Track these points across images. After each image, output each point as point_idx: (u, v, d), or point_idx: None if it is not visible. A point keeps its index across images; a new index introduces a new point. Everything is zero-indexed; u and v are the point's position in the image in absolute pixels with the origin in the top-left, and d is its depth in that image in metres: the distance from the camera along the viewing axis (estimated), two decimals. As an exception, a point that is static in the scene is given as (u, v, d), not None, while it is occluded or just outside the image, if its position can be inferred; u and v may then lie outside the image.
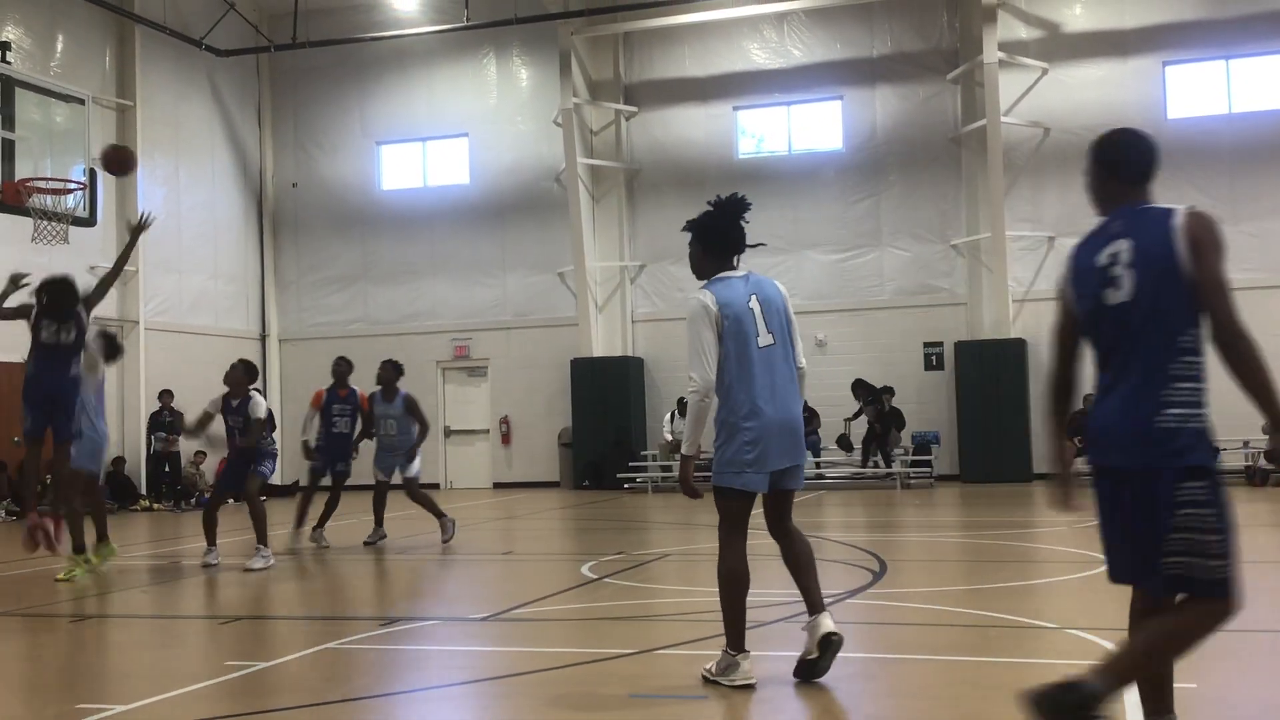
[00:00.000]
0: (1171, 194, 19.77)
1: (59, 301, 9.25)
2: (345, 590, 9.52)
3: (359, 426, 12.35)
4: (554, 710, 5.20)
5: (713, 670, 5.49)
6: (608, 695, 5.46)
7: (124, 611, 8.57)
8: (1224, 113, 19.91)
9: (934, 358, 20.82)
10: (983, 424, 19.89)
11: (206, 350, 21.39)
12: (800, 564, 5.65)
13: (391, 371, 12.06)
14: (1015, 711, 4.98)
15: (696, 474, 5.55)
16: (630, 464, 21.22)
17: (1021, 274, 20.41)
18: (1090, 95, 20.22)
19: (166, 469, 20.14)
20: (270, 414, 11.08)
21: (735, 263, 5.62)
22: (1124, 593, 7.14)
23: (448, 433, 23.28)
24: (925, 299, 20.98)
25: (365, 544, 11.99)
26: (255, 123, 24.51)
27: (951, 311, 20.81)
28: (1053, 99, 20.33)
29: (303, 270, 24.40)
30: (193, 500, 20.12)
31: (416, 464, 12.06)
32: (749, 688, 5.39)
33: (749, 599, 5.53)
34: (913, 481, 19.78)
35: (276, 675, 6.03)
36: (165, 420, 20.12)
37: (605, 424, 21.65)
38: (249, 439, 10.42)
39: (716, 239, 5.60)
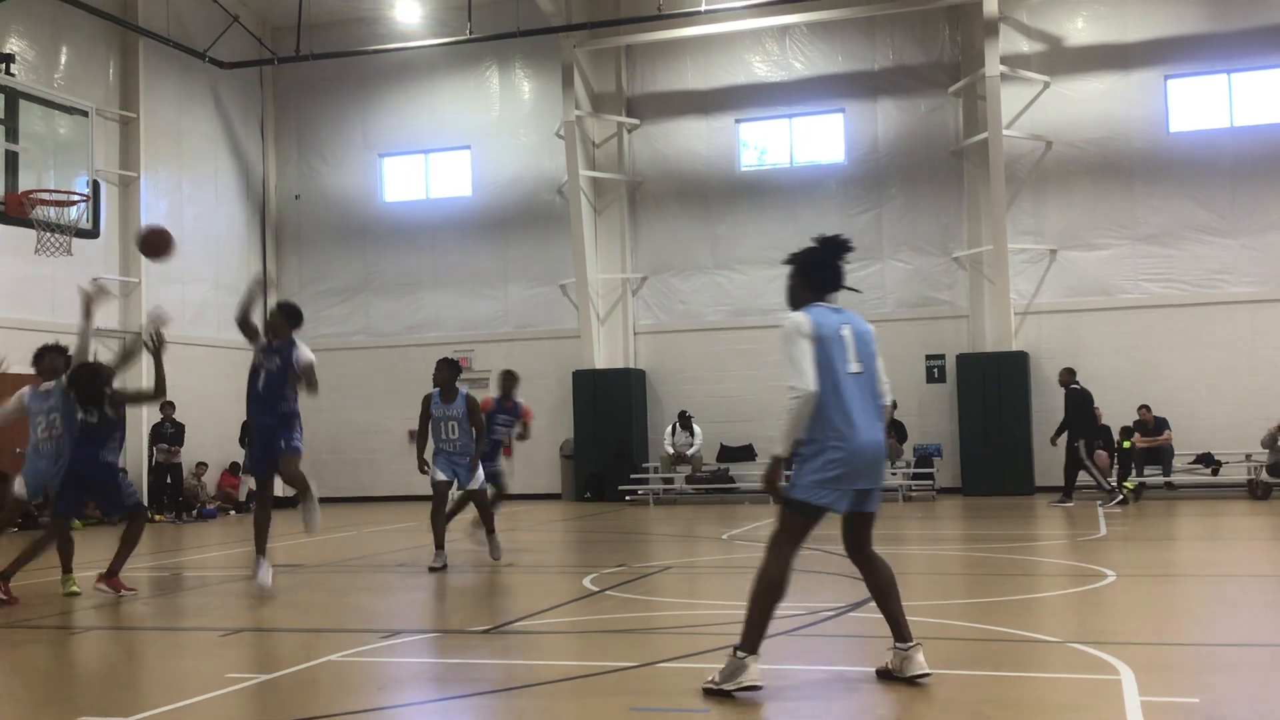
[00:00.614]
0: (1172, 207, 19.91)
1: (83, 392, 9.18)
2: (346, 602, 9.51)
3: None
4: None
5: (716, 680, 5.50)
6: (609, 708, 5.45)
7: (126, 623, 8.57)
8: (1226, 126, 19.94)
9: (936, 370, 20.82)
10: (985, 437, 19.89)
11: (209, 362, 21.41)
12: (883, 590, 5.79)
13: (449, 371, 11.19)
14: (1017, 726, 4.98)
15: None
16: (632, 476, 21.21)
17: (1023, 287, 20.42)
18: (1092, 108, 20.27)
19: (168, 480, 20.15)
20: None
21: (830, 299, 5.75)
22: (1124, 607, 7.18)
23: (449, 444, 23.26)
24: (927, 311, 20.99)
25: (430, 569, 10.85)
26: (258, 135, 24.57)
27: (953, 324, 20.82)
28: (1054, 112, 20.37)
29: (305, 282, 24.43)
30: (194, 511, 20.12)
31: (480, 474, 11.19)
32: (754, 689, 5.40)
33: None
34: (914, 494, 19.76)
35: (278, 688, 6.03)
36: (167, 432, 20.13)
37: (607, 436, 21.65)
38: (310, 384, 9.26)
39: (816, 274, 5.77)
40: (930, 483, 19.93)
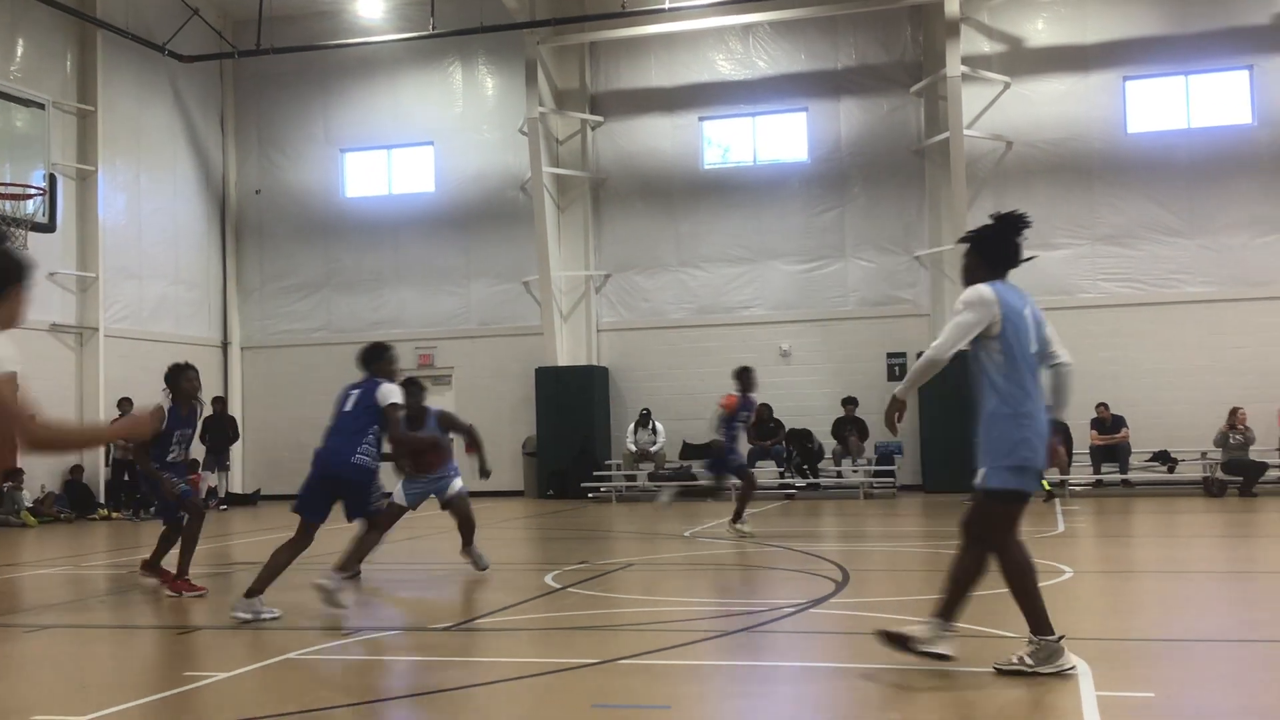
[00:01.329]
0: (1131, 208, 20.11)
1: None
2: (305, 600, 9.45)
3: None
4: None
5: (1028, 661, 5.51)
6: (570, 706, 5.45)
7: (81, 622, 8.47)
8: (1183, 128, 20.17)
9: (897, 368, 20.92)
10: (945, 435, 20.01)
11: (167, 358, 21.11)
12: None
13: (419, 395, 10.32)
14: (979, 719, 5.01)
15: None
16: (595, 473, 21.20)
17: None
18: (1052, 109, 20.45)
19: (126, 478, 19.92)
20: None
21: (1006, 277, 5.81)
22: (1082, 602, 7.23)
23: (411, 441, 23.19)
24: (889, 310, 21.10)
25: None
26: (218, 129, 24.35)
27: (915, 322, 20.94)
28: (1015, 113, 20.53)
29: (266, 277, 24.25)
30: (152, 509, 19.89)
31: (459, 481, 10.68)
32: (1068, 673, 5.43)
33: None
34: (875, 491, 19.87)
35: (235, 686, 5.97)
36: (125, 428, 19.88)
37: (570, 433, 21.63)
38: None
39: (992, 251, 5.84)
40: (891, 480, 20.05)
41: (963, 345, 5.61)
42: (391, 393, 8.30)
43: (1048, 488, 18.19)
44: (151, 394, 19.85)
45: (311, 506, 8.16)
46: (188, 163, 23.54)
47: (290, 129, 24.28)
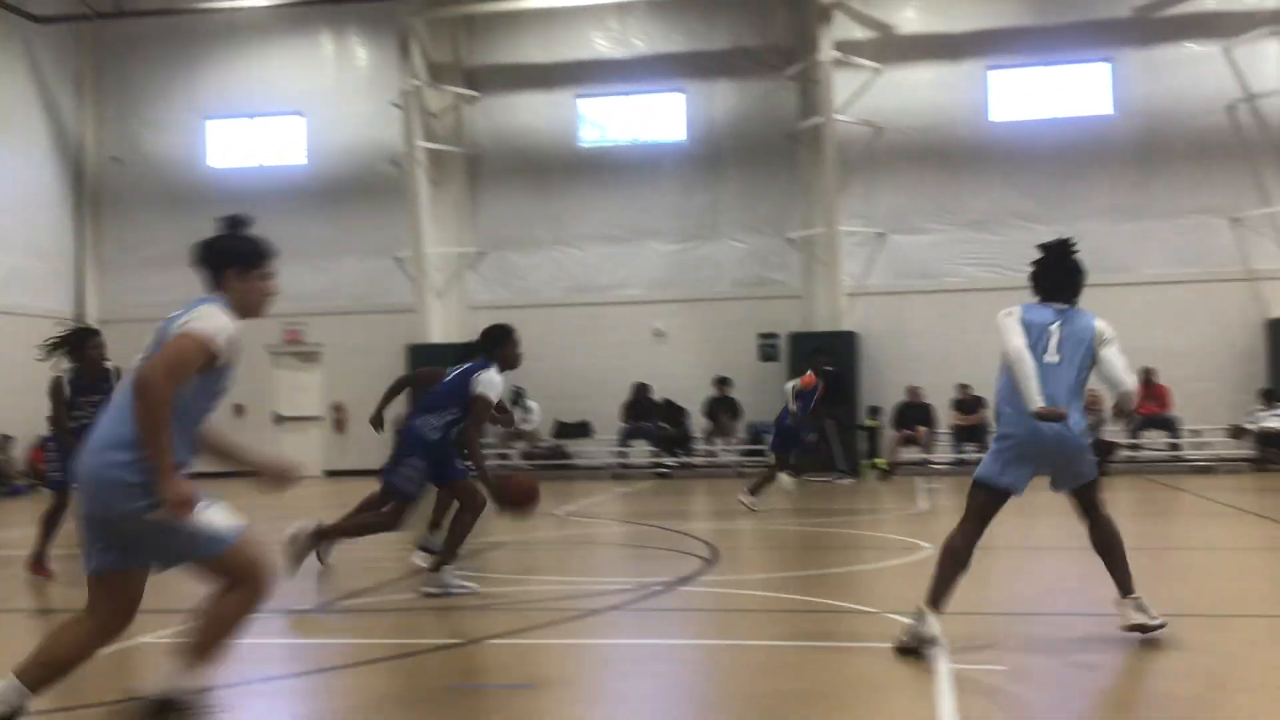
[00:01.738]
0: (994, 194, 20.66)
1: None
2: (163, 581, 9.17)
3: None
4: (371, 702, 5.11)
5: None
6: (427, 686, 5.39)
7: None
8: (1045, 118, 20.77)
9: (769, 349, 21.20)
10: (842, 415, 20.32)
11: (17, 332, 20.32)
12: (1104, 546, 6.17)
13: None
14: (840, 692, 5.11)
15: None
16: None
17: (854, 269, 20.93)
18: (920, 96, 20.87)
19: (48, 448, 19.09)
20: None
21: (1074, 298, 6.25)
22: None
23: (278, 419, 22.71)
24: (761, 291, 21.35)
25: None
26: (75, 94, 23.38)
27: (787, 304, 21.22)
28: (885, 99, 20.89)
29: (126, 249, 23.40)
30: (3, 488, 19.12)
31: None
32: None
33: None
34: (747, 470, 20.11)
35: (88, 670, 5.75)
36: (-28, 404, 19.06)
37: (442, 412, 21.37)
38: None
39: (1039, 283, 6.32)
40: (763, 459, 20.31)
41: (1014, 335, 6.11)
42: (488, 384, 7.76)
43: (884, 466, 19.01)
44: (2, 368, 19.12)
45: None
46: (41, 128, 22.56)
47: (152, 96, 23.43)
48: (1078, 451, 6.08)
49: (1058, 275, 6.27)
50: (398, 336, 21.92)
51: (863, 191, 21.03)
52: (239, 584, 4.26)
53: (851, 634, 6.56)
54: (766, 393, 21.15)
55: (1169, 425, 19.04)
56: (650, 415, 20.65)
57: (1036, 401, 5.82)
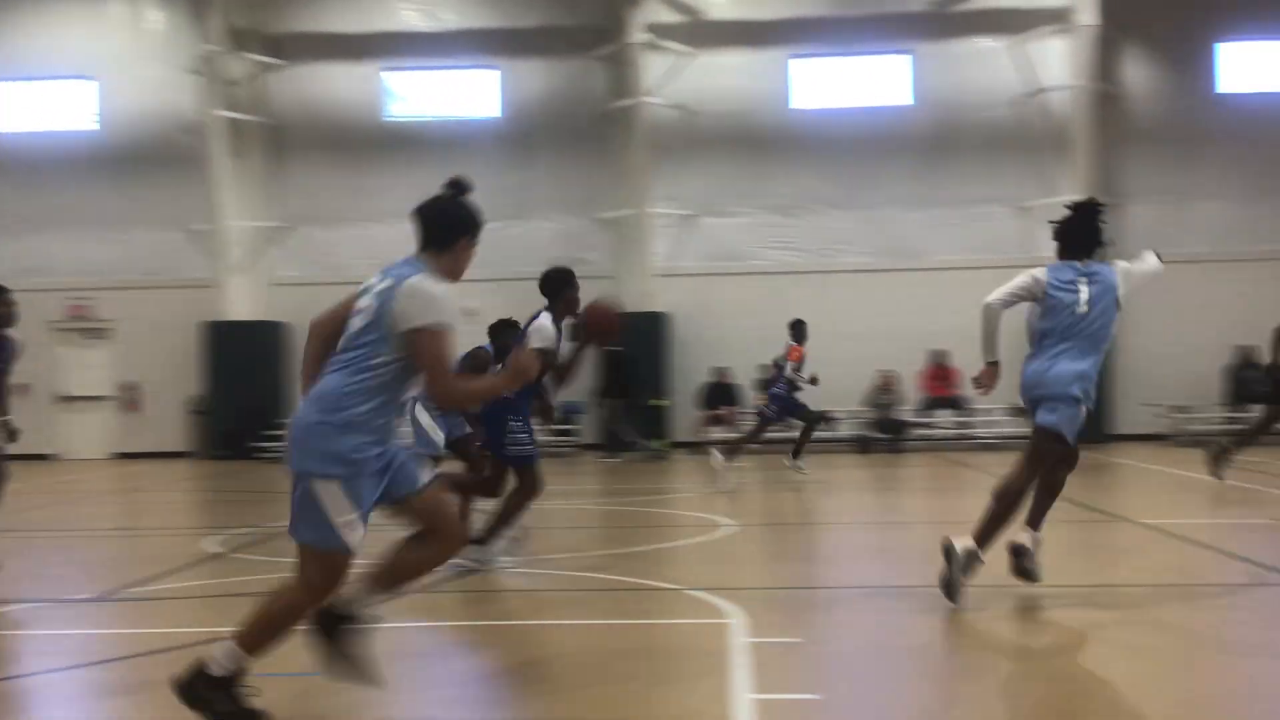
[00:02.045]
0: (797, 180, 21.19)
1: None
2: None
3: None
4: (150, 693, 4.89)
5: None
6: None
7: None
8: (847, 106, 21.37)
9: (574, 329, 21.22)
10: (623, 395, 20.49)
11: None
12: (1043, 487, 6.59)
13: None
14: (638, 670, 5.15)
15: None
16: (263, 432, 20.33)
17: (664, 250, 21.15)
18: (728, 82, 21.19)
19: None
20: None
21: (1090, 256, 6.54)
22: (740, 554, 7.53)
23: (61, 399, 21.56)
24: (576, 271, 21.29)
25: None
26: None
27: (597, 285, 21.20)
28: (695, 83, 21.12)
29: (-104, 215, 21.75)
30: None
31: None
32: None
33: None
34: (555, 451, 20.11)
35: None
36: None
37: (244, 391, 20.67)
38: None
39: (1065, 241, 6.63)
40: (573, 439, 20.37)
41: (1007, 293, 6.56)
42: (536, 331, 7.67)
43: (658, 447, 19.53)
44: None
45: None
46: None
47: (-78, 52, 21.82)
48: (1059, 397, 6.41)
49: (1082, 233, 6.61)
50: (193, 313, 21.06)
51: (673, 174, 21.24)
52: (302, 581, 4.28)
53: (651, 611, 6.63)
54: (583, 373, 21.19)
55: (957, 405, 19.95)
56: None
57: (989, 357, 6.64)
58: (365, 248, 21.66)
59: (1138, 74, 21.07)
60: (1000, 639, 5.91)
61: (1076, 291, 6.38)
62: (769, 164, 21.20)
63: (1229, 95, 20.72)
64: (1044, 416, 6.41)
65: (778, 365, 14.91)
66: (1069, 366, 6.32)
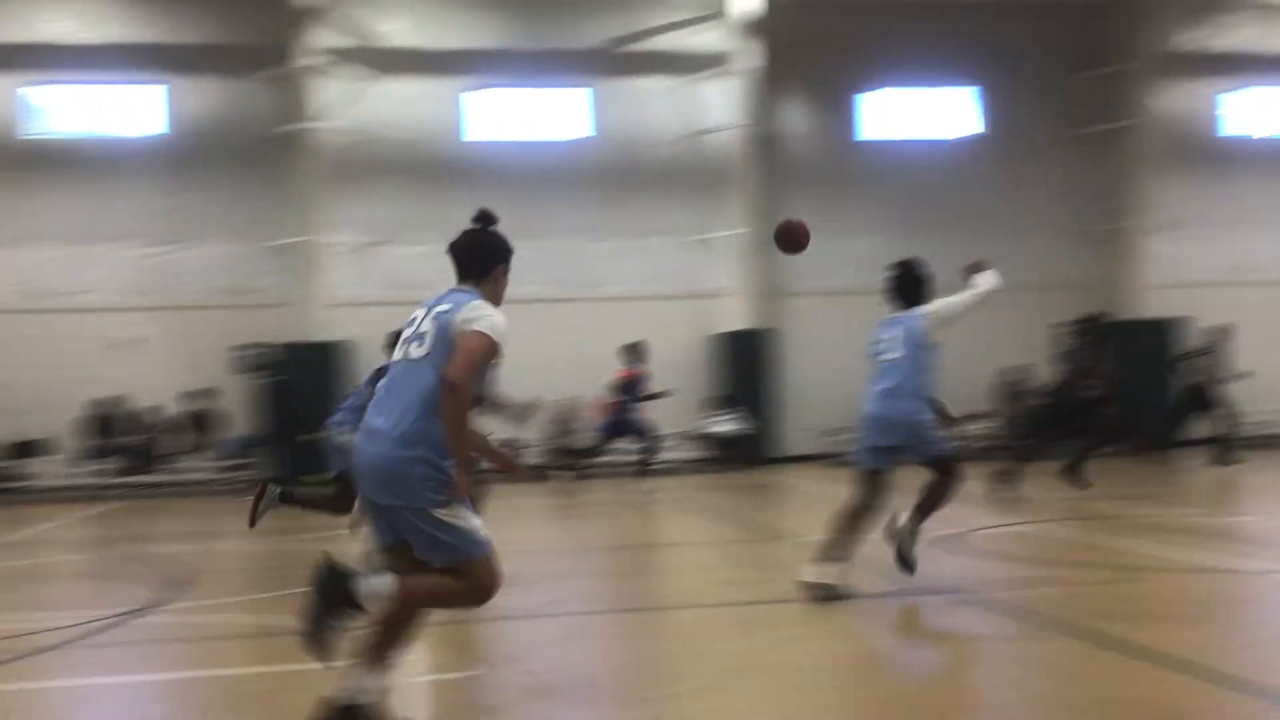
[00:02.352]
0: (473, 209, 21.20)
1: None
2: None
3: None
4: None
5: None
6: None
7: None
8: (523, 139, 21.64)
9: (250, 359, 20.38)
10: (301, 426, 19.81)
11: None
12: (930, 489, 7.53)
13: None
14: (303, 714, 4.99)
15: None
16: None
17: (338, 278, 20.65)
18: (407, 110, 21.01)
19: None
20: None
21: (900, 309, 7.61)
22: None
23: None
24: (240, 299, 20.44)
25: None
26: None
27: (265, 313, 20.48)
28: (370, 109, 20.78)
29: None
30: None
31: None
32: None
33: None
34: (227, 488, 19.19)
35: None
36: None
37: None
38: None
39: (891, 296, 7.66)
40: (248, 474, 19.48)
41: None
42: None
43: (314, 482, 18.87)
44: None
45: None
46: None
47: None
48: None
49: (904, 287, 7.51)
50: None
51: (349, 199, 20.79)
52: (470, 584, 4.49)
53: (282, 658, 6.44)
54: (244, 405, 20.33)
55: (640, 431, 20.49)
56: (117, 431, 19.16)
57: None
58: (8, 274, 20.07)
59: (795, 118, 22.49)
60: (675, 656, 6.11)
61: (887, 339, 7.45)
62: (447, 192, 21.08)
63: (871, 141, 22.51)
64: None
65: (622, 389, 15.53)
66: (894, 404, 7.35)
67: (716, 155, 21.67)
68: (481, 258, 4.81)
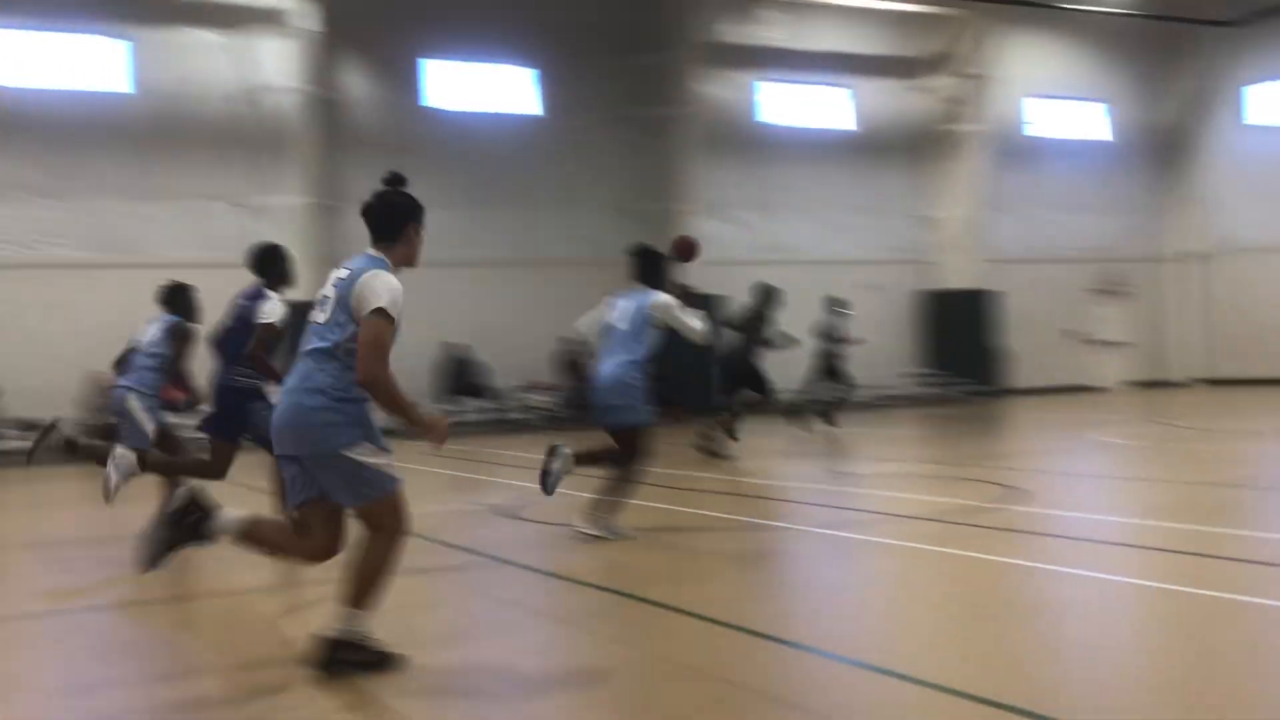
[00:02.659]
0: (3, 165, 19.12)
1: None
2: None
3: None
4: None
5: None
6: None
7: None
8: (59, 88, 19.68)
9: None
10: None
11: None
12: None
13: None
14: None
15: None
16: None
17: None
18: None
19: None
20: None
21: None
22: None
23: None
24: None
25: None
26: None
27: None
28: None
29: None
30: None
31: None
32: None
33: None
34: None
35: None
36: None
37: None
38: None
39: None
40: None
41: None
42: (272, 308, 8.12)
43: None
44: None
45: None
46: None
47: None
48: None
49: (645, 269, 8.40)
50: None
51: None
52: (383, 530, 4.78)
53: None
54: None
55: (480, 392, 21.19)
56: None
57: None
58: None
59: (356, 82, 22.00)
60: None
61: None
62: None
63: (435, 110, 22.46)
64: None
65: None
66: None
67: (274, 118, 20.78)
68: (392, 219, 4.90)
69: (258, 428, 7.56)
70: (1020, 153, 27.21)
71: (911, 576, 6.91)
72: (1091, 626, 5.39)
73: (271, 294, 8.04)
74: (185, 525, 4.80)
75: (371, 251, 4.86)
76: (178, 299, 8.97)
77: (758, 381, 14.82)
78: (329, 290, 4.78)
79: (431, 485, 12.22)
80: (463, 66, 22.77)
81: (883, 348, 23.56)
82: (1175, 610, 5.68)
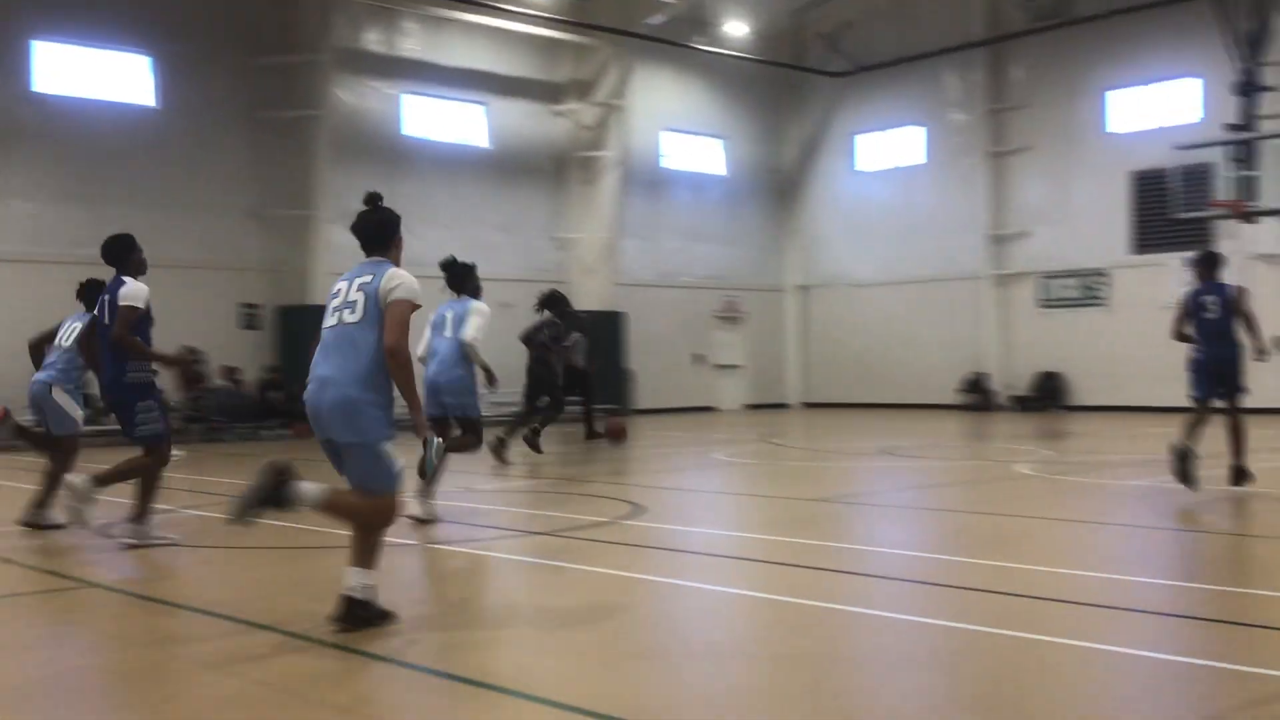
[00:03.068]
0: None
1: None
2: None
3: None
4: None
5: None
6: None
7: None
8: None
9: None
10: None
11: None
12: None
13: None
14: None
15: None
16: None
17: None
18: None
19: None
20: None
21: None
22: None
23: None
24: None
25: None
26: None
27: None
28: None
29: None
30: None
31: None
32: None
33: None
34: None
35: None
36: None
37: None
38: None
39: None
40: None
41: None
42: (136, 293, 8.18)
43: None
44: None
45: None
46: None
47: None
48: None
49: (458, 280, 9.58)
50: None
51: None
52: (373, 512, 5.51)
53: None
54: None
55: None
56: None
57: None
58: None
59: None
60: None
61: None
62: None
63: (45, 95, 20.64)
64: None
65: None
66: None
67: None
68: (382, 232, 5.71)
69: (142, 429, 8.01)
70: (653, 182, 28.44)
71: (513, 591, 7.03)
72: (690, 633, 5.70)
73: (130, 280, 8.14)
74: (273, 491, 5.30)
75: (375, 259, 5.64)
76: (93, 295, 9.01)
77: (554, 391, 15.71)
78: (355, 294, 5.46)
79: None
80: (76, 50, 21.07)
81: (510, 366, 23.80)
82: (769, 617, 6.11)
